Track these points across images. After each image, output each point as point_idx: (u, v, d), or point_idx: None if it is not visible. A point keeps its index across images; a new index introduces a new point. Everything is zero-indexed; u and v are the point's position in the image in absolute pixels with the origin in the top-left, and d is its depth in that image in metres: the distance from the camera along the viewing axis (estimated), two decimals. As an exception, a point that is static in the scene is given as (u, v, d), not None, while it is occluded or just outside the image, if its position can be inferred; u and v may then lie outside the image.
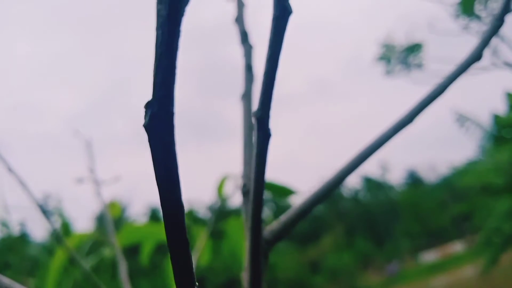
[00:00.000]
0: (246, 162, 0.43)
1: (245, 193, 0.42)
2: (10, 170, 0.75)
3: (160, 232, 1.06)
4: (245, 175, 0.43)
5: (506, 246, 6.84)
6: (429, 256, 22.74)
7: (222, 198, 1.03)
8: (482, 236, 7.46)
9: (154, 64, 0.17)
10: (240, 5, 0.58)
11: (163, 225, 0.21)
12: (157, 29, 0.17)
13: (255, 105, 0.36)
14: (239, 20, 0.56)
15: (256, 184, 0.30)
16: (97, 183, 0.92)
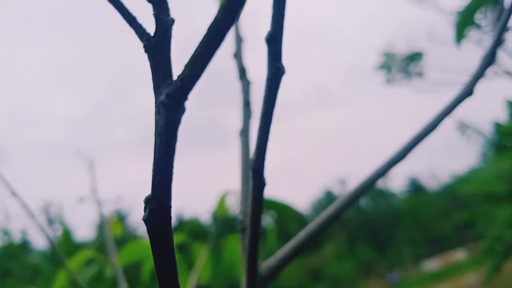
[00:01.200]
0: (244, 198, 0.44)
1: (242, 229, 0.42)
2: (2, 178, 0.76)
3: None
4: (243, 211, 0.43)
5: (509, 254, 6.80)
6: (431, 264, 22.61)
7: (222, 214, 1.03)
8: (484, 244, 7.43)
9: (153, 166, 0.19)
10: (238, 41, 0.58)
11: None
12: (156, 136, 0.19)
13: (253, 141, 0.37)
14: (238, 55, 0.57)
15: (253, 226, 0.31)
16: (99, 203, 0.93)
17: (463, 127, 6.92)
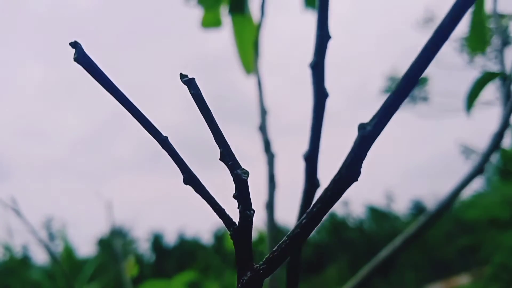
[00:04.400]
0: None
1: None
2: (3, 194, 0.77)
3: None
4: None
5: (514, 281, 6.72)
6: (435, 289, 22.26)
7: (231, 248, 1.04)
8: (489, 271, 7.33)
9: None
10: (263, 114, 0.58)
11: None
12: None
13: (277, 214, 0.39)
14: (263, 128, 0.57)
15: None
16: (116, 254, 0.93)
17: (467, 152, 6.90)
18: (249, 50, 0.98)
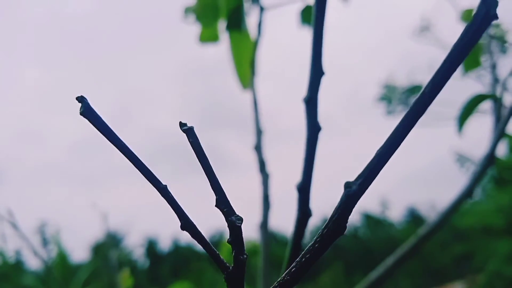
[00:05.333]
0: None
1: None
2: None
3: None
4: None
5: (508, 290, 6.74)
6: (429, 296, 22.25)
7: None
8: (483, 279, 7.35)
9: None
10: (259, 133, 0.59)
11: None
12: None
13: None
14: (258, 148, 0.58)
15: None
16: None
17: (462, 160, 6.93)
18: (246, 66, 0.99)
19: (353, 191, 0.18)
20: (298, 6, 0.96)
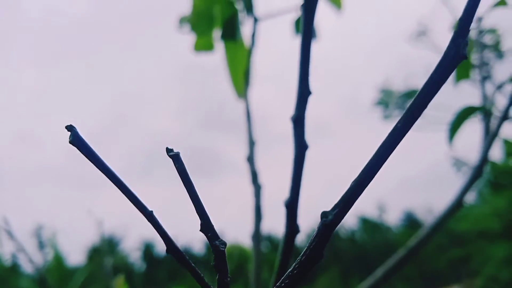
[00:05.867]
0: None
1: None
2: None
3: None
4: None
5: (504, 294, 6.74)
6: (426, 300, 22.23)
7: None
8: (479, 282, 7.36)
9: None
10: (251, 144, 0.60)
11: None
12: None
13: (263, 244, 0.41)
14: (250, 159, 0.58)
15: None
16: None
17: (458, 164, 6.95)
18: (240, 75, 1.00)
19: (330, 221, 0.19)
20: (292, 16, 0.97)
